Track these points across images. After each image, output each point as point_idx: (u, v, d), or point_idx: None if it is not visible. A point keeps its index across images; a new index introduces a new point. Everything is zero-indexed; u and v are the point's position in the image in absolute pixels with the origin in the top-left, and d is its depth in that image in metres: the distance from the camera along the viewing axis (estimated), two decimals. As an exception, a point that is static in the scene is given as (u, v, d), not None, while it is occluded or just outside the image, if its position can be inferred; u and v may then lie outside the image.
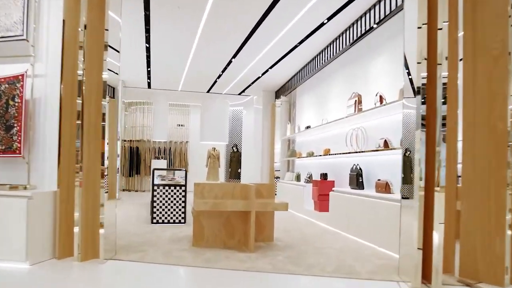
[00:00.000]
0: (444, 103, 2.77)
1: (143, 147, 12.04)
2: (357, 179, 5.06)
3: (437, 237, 2.68)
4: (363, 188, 5.05)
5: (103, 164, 3.26)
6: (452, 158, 2.89)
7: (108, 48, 3.36)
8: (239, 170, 12.49)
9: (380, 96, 4.54)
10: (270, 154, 10.06)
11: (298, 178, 7.95)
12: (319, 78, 7.30)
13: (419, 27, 2.83)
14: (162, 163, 10.48)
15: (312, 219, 6.27)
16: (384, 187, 4.33)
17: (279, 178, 9.18)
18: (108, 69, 3.38)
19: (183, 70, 8.43)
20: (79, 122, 3.26)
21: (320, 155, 6.59)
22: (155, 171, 5.53)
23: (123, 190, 11.73)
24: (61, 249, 3.27)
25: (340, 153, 5.72)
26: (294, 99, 9.02)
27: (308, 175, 7.18)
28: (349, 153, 5.42)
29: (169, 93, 10.72)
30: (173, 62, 7.85)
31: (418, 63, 2.84)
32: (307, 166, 7.78)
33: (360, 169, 5.11)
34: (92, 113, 3.30)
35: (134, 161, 11.88)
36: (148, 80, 9.33)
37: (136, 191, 11.82)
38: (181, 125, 12.50)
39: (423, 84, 2.81)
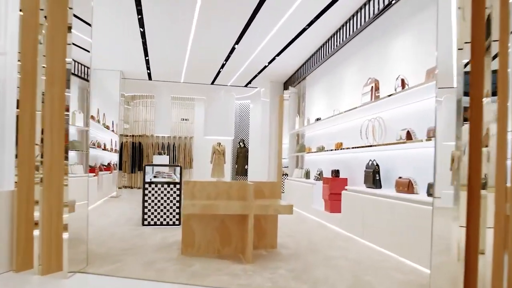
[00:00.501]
0: (494, 94, 2.15)
1: (147, 143, 11.56)
2: (373, 177, 4.43)
3: (486, 245, 2.06)
4: (380, 187, 4.42)
5: (66, 158, 2.71)
6: (501, 153, 2.25)
7: (78, 22, 2.80)
8: (246, 167, 11.92)
9: (402, 80, 3.88)
10: (278, 150, 9.45)
11: (307, 175, 7.33)
12: (330, 65, 6.65)
13: (459, 8, 2.22)
14: (164, 159, 9.99)
15: (322, 220, 5.66)
16: (407, 186, 3.69)
17: (287, 175, 8.58)
18: (77, 46, 2.82)
19: (183, 60, 7.87)
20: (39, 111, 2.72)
21: (331, 150, 5.96)
22: (146, 167, 4.98)
23: (125, 187, 11.28)
24: (19, 259, 2.74)
25: (354, 147, 5.08)
26: (304, 90, 8.38)
27: (318, 172, 6.56)
28: (364, 147, 4.78)
29: (172, 85, 10.18)
30: (171, 50, 7.30)
31: (459, 49, 2.23)
32: (317, 162, 7.16)
33: (377, 165, 4.47)
34: (56, 100, 2.75)
35: (137, 157, 11.41)
36: (148, 71, 8.81)
37: (139, 188, 11.35)
38: (186, 120, 11.98)
39: (465, 73, 2.20)
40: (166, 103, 10.52)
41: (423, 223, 3.10)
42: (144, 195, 4.85)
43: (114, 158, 8.98)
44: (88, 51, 2.99)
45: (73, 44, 2.78)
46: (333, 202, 5.38)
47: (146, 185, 4.86)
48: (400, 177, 3.90)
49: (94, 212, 5.96)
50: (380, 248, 3.81)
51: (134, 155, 11.39)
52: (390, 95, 3.99)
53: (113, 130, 8.53)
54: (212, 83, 9.94)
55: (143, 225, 4.78)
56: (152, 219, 4.80)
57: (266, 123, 9.69)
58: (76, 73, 6.96)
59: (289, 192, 7.86)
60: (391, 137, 4.36)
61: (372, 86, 4.55)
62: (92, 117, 7.38)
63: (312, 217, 6.09)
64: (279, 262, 3.21)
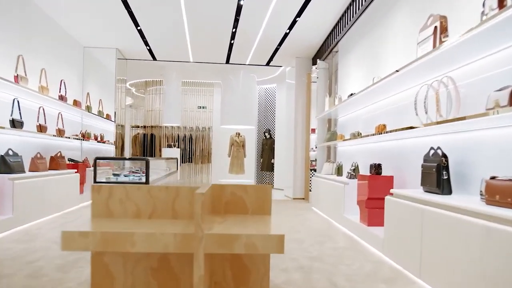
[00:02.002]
0: None
1: (159, 134, 10.34)
2: (438, 175, 2.68)
3: None
4: (449, 192, 2.67)
5: None
6: None
7: None
8: (272, 161, 10.35)
9: (498, -1, 2.10)
10: (305, 140, 7.76)
11: (339, 171, 5.61)
12: (370, 19, 4.87)
13: None
14: (175, 152, 8.70)
15: (356, 236, 3.96)
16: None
17: (315, 171, 6.89)
18: None
19: (183, 33, 6.42)
20: None
21: (370, 135, 4.21)
22: (98, 161, 3.59)
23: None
24: None
25: (404, 129, 3.31)
26: (335, 62, 6.62)
27: (353, 167, 4.83)
28: (421, 127, 3.02)
29: (181, 67, 8.82)
30: (164, 19, 5.87)
31: None
32: (353, 154, 5.42)
33: (444, 156, 2.71)
34: None
35: (147, 150, 10.24)
36: (148, 47, 7.47)
37: (152, 185, 10.21)
38: (203, 108, 10.60)
39: None
40: (176, 89, 9.17)
41: None
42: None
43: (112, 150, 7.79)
44: None
45: None
46: (372, 210, 3.68)
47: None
48: (494, 177, 2.14)
49: (50, 224, 4.68)
50: (458, 307, 2.08)
51: (145, 148, 10.22)
52: (475, 27, 2.21)
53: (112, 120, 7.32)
54: (227, 61, 8.42)
55: (94, 244, 3.37)
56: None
57: (292, 108, 8.03)
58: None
59: (316, 194, 6.19)
60: (470, 109, 2.59)
61: (435, 27, 2.77)
62: (76, 102, 6.16)
63: (344, 229, 4.41)
64: None
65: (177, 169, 6.66)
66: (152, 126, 10.21)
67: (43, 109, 5.26)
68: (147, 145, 10.12)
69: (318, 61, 7.00)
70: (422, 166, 2.88)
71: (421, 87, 3.15)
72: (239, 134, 9.01)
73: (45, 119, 5.29)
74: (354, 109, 5.34)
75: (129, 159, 5.26)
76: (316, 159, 6.86)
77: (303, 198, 7.72)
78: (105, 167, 5.44)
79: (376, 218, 3.63)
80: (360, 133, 4.73)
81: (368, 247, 3.50)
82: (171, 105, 9.03)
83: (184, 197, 2.03)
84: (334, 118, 6.58)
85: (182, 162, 10.32)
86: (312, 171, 7.09)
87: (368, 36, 4.92)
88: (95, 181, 3.53)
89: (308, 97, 7.54)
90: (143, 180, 3.64)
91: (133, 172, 5.17)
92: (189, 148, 10.32)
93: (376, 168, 3.94)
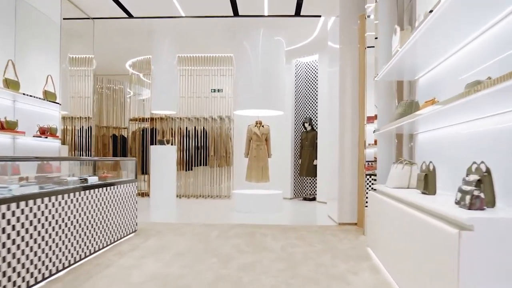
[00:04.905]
0: None
1: (170, 127, 7.86)
2: None
3: None
4: None
5: None
6: None
7: None
8: (315, 162, 7.34)
9: None
10: (358, 126, 4.69)
11: (429, 182, 2.50)
12: None
13: None
14: (168, 152, 6.14)
15: None
16: None
17: (373, 178, 3.82)
18: None
19: None
20: None
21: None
22: None
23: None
24: None
25: None
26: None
27: (474, 175, 1.75)
28: None
29: (171, 30, 6.23)
30: None
31: None
32: (459, 146, 2.34)
33: None
34: None
35: (135, 148, 7.83)
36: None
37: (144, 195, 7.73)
38: (218, 91, 7.92)
39: None
40: (169, 66, 6.55)
41: None
42: None
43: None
44: None
45: None
46: None
47: None
48: None
49: None
50: None
51: (144, 146, 7.80)
52: None
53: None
54: (235, 13, 5.63)
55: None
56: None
57: (335, 84, 5.00)
58: None
59: (376, 221, 3.12)
60: None
61: None
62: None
63: None
64: None
65: (135, 177, 4.02)
66: (161, 118, 7.73)
67: None
68: (146, 142, 7.69)
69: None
70: None
71: None
72: (260, 123, 6.20)
73: None
74: (456, 45, 2.24)
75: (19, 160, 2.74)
76: (375, 159, 3.76)
77: (355, 224, 4.65)
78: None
79: None
80: (480, 85, 1.61)
81: None
82: (162, 90, 6.40)
83: None
84: (409, 77, 3.46)
85: (192, 166, 7.74)
86: (369, 177, 4.02)
87: None
88: None
89: (362, 60, 4.47)
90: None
91: (53, 179, 2.91)
92: (203, 144, 7.69)
93: None
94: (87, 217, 2.96)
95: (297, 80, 7.86)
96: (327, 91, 6.01)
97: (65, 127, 6.79)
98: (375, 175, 3.75)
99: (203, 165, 7.81)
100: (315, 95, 7.78)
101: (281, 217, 5.39)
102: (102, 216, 3.21)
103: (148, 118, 7.79)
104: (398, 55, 2.89)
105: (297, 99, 7.86)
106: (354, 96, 4.77)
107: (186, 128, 7.84)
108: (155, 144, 7.17)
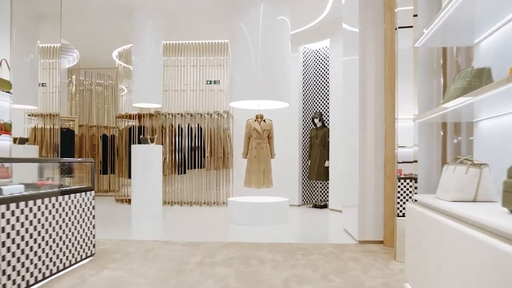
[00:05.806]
0: None
1: (160, 125, 6.92)
2: None
3: None
4: None
5: None
6: None
7: None
8: (326, 164, 6.32)
9: None
10: (386, 123, 3.66)
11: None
12: None
13: None
14: (152, 152, 5.21)
15: None
16: None
17: (408, 183, 2.80)
18: None
19: None
20: None
21: None
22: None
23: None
24: None
25: None
26: None
27: None
28: None
29: (152, 4, 5.29)
30: None
31: None
32: None
33: None
34: None
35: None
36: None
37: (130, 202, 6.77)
38: (214, 82, 6.96)
39: None
40: (153, 51, 5.59)
41: None
42: None
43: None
44: None
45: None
46: None
47: None
48: None
49: None
50: None
51: (131, 146, 6.87)
52: None
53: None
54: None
55: None
56: None
57: (354, 73, 3.98)
58: None
59: (418, 244, 2.08)
60: None
61: None
62: None
63: None
64: None
65: (91, 183, 3.06)
66: (139, 116, 6.81)
67: None
68: (134, 142, 6.77)
69: None
70: None
71: None
72: (261, 117, 5.21)
73: None
74: None
75: None
76: (416, 159, 2.73)
77: (381, 242, 3.62)
78: None
79: None
80: None
81: None
82: (143, 81, 5.44)
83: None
84: (466, 40, 2.44)
85: (186, 169, 6.78)
86: (404, 182, 3.01)
87: None
88: None
89: (391, 45, 3.45)
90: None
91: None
92: (198, 144, 6.73)
93: None
94: (2, 243, 2.01)
95: (305, 70, 6.87)
96: (340, 83, 5.00)
97: (43, 126, 5.89)
98: (409, 179, 2.74)
99: (199, 167, 6.85)
100: (327, 87, 6.78)
101: (286, 231, 4.41)
102: (30, 240, 2.26)
103: (136, 114, 6.85)
104: (454, 3, 1.88)
105: (305, 91, 6.86)
106: (379, 88, 3.74)
107: (179, 125, 6.89)
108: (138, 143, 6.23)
